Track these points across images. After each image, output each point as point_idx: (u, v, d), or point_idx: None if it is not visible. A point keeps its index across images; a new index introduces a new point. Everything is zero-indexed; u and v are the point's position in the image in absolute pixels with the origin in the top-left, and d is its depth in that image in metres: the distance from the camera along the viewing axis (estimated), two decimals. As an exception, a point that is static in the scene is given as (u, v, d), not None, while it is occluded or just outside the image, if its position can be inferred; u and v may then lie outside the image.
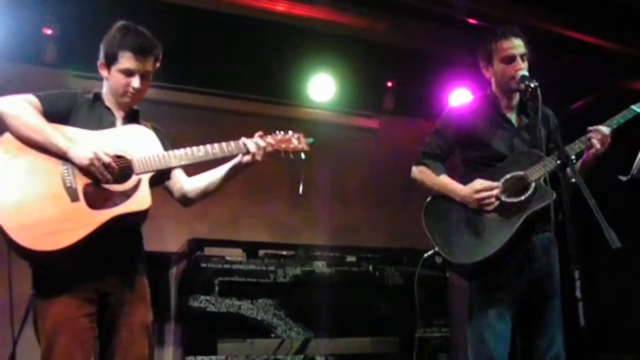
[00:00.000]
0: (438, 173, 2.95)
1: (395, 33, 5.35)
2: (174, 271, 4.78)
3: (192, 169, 2.72)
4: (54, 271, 2.33)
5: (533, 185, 2.77)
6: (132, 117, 2.62)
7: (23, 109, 2.36)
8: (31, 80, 5.13)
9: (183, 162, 2.52)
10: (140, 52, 2.49)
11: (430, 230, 2.89)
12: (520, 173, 2.81)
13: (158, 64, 2.61)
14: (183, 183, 2.71)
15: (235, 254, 4.56)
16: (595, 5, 4.76)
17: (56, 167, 2.33)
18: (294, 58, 5.54)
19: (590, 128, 2.86)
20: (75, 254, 2.26)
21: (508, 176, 2.83)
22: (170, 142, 2.66)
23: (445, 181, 2.94)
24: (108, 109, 2.57)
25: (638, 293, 5.18)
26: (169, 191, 2.73)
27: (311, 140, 2.73)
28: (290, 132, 2.70)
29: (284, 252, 4.71)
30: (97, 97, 2.58)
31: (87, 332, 2.34)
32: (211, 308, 4.32)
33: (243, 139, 2.59)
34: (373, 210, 6.19)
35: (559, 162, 2.63)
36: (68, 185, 2.32)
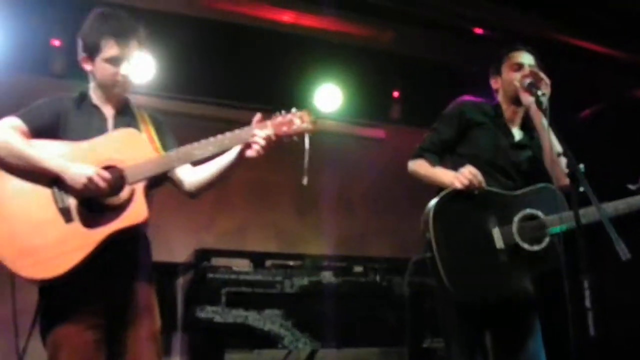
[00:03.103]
0: (433, 164, 2.90)
1: (402, 42, 5.37)
2: (180, 282, 4.77)
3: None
4: (57, 287, 2.28)
5: (548, 239, 2.70)
6: (123, 111, 2.53)
7: (7, 137, 2.27)
8: (39, 91, 5.13)
9: (176, 165, 2.39)
10: (123, 36, 2.39)
11: (437, 238, 2.65)
12: (542, 218, 2.73)
13: (142, 45, 2.47)
14: (184, 181, 2.55)
15: (242, 265, 4.55)
16: (603, 13, 4.76)
17: (46, 190, 2.27)
18: (300, 68, 5.56)
19: None
20: (76, 273, 2.22)
21: (527, 213, 2.74)
22: (170, 130, 2.57)
23: (437, 170, 2.86)
24: (96, 107, 2.48)
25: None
26: (175, 185, 2.58)
27: (313, 118, 2.40)
28: (292, 111, 2.40)
29: (291, 263, 4.68)
30: (84, 97, 2.49)
31: (91, 345, 2.29)
32: (218, 318, 4.30)
33: (244, 130, 2.38)
34: (380, 219, 6.18)
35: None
36: (61, 206, 2.26)
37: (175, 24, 4.76)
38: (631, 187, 2.87)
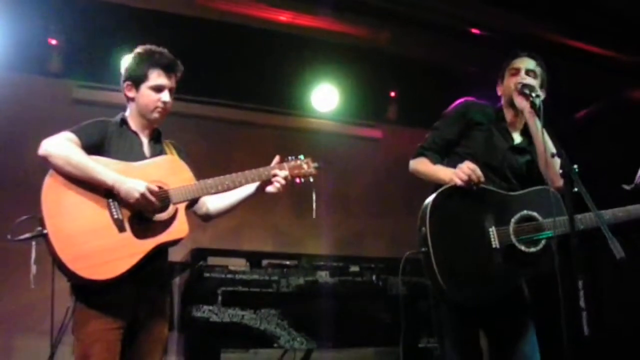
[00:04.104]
0: (434, 162, 2.92)
1: (398, 43, 5.37)
2: (177, 281, 4.76)
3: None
4: (96, 288, 2.48)
5: (544, 242, 2.71)
6: (156, 138, 2.79)
7: (67, 149, 2.51)
8: (36, 90, 5.16)
9: (212, 191, 2.69)
10: (169, 69, 2.73)
11: (432, 233, 2.66)
12: (539, 221, 2.74)
13: (178, 80, 2.82)
14: (207, 203, 2.88)
15: (238, 264, 4.55)
16: (600, 15, 4.78)
17: (102, 200, 2.51)
18: (297, 68, 5.57)
19: None
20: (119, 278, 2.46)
21: (525, 214, 2.74)
22: (188, 159, 2.84)
23: (437, 168, 2.89)
24: (134, 133, 2.74)
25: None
26: (195, 208, 2.87)
27: (317, 164, 2.85)
28: (300, 158, 2.83)
29: (287, 262, 4.69)
30: (124, 122, 2.74)
31: (118, 343, 2.50)
32: (214, 318, 4.30)
33: (266, 169, 2.75)
34: (376, 219, 6.19)
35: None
36: (115, 217, 2.50)
37: (172, 24, 4.76)
38: (626, 187, 2.88)
